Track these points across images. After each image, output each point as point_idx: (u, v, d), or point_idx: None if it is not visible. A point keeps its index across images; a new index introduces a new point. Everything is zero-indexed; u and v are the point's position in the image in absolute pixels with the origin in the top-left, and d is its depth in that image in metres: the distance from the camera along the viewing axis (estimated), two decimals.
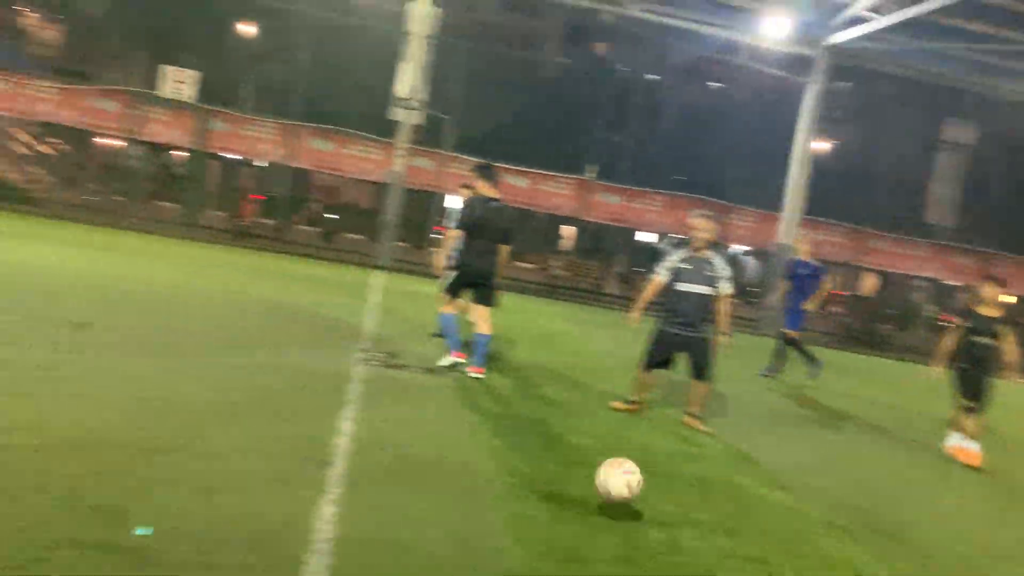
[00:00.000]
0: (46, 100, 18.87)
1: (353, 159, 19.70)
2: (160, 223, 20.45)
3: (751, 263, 31.56)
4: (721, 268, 6.97)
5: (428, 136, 21.85)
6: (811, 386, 10.73)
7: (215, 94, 27.26)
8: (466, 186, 9.28)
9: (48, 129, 25.84)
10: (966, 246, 21.91)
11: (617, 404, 7.15)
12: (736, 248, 28.75)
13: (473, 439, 5.51)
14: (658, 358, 7.10)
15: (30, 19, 57.25)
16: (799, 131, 19.08)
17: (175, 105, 18.82)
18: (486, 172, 7.75)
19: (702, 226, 6.98)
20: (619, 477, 4.45)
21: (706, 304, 6.92)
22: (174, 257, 14.10)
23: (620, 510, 4.44)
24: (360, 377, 6.71)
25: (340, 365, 7.11)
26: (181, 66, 20.80)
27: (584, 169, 21.25)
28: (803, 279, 10.90)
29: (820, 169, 19.59)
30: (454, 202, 9.60)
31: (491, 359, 8.67)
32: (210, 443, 4.52)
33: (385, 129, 21.30)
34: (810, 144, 19.08)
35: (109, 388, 5.24)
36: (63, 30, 57.95)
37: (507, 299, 15.28)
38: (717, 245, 7.40)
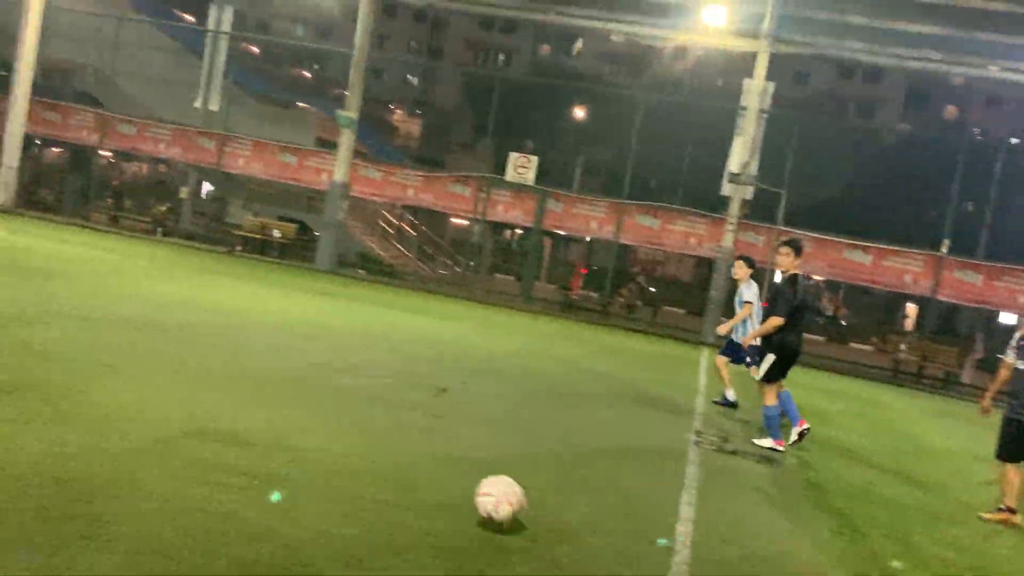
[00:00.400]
0: (410, 186, 21.41)
1: (678, 234, 19.81)
2: (500, 294, 22.06)
3: None
4: None
5: (758, 211, 21.38)
6: None
7: (550, 175, 29.13)
8: (742, 258, 9.46)
9: (409, 210, 29.23)
10: None
11: (988, 515, 6.24)
12: None
13: (820, 540, 5.10)
14: (1014, 450, 6.12)
15: (396, 115, 65.79)
16: None
17: (517, 187, 20.36)
18: (799, 248, 7.63)
19: None
20: (478, 498, 4.18)
21: None
22: (514, 327, 15.05)
23: None
24: (695, 459, 6.57)
25: (674, 444, 7.03)
26: (521, 151, 22.55)
27: (935, 243, 19.34)
28: None
29: None
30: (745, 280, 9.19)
31: (834, 450, 8.08)
32: (557, 515, 4.64)
33: (709, 204, 21.23)
34: None
35: (468, 448, 5.63)
36: (422, 123, 65.77)
37: (844, 383, 14.20)
38: None
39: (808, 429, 7.78)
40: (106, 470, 4.05)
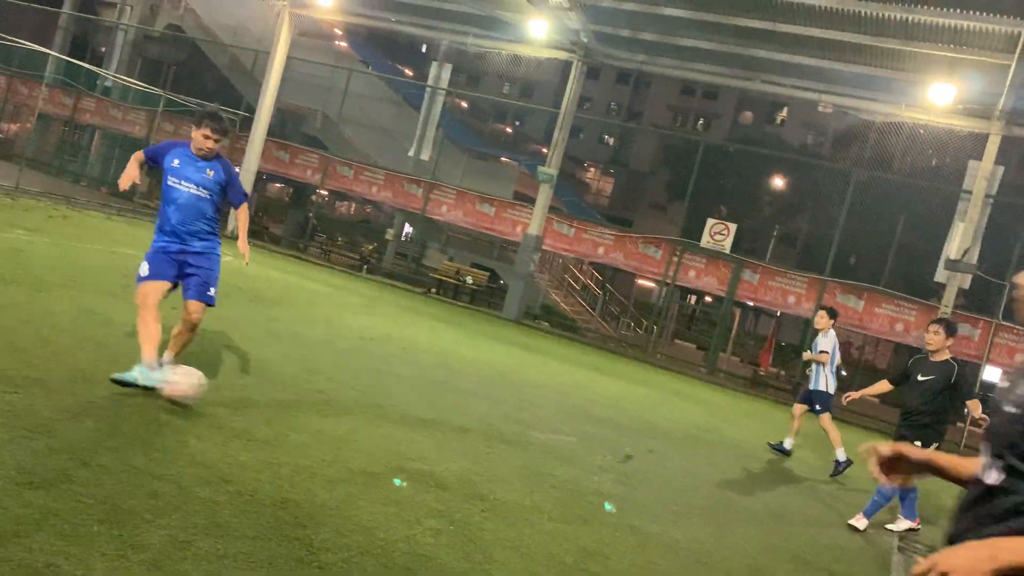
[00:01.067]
0: (601, 244, 21.56)
1: (883, 318, 18.63)
2: (681, 361, 21.59)
3: None
4: None
5: (973, 302, 19.82)
6: None
7: (743, 244, 28.34)
8: (825, 309, 10.12)
9: (596, 268, 29.40)
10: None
11: None
12: None
13: None
14: None
15: (591, 173, 66.78)
16: None
17: (711, 254, 19.99)
18: (953, 329, 7.33)
19: None
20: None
21: None
22: (698, 397, 14.65)
23: None
24: (900, 568, 6.05)
25: (876, 547, 6.52)
26: (716, 217, 22.15)
27: None
28: None
29: None
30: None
31: None
32: None
33: (919, 290, 19.86)
34: None
35: (654, 521, 5.48)
36: (615, 183, 66.38)
37: None
38: None
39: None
40: (318, 496, 4.27)
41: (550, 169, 20.82)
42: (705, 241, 19.85)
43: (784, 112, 60.85)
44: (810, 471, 9.57)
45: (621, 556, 4.68)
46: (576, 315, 25.70)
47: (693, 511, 6.18)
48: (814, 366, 9.77)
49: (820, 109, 19.61)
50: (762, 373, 22.45)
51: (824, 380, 9.64)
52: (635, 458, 7.44)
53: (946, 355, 7.09)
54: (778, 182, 41.90)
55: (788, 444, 9.91)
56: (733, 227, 19.97)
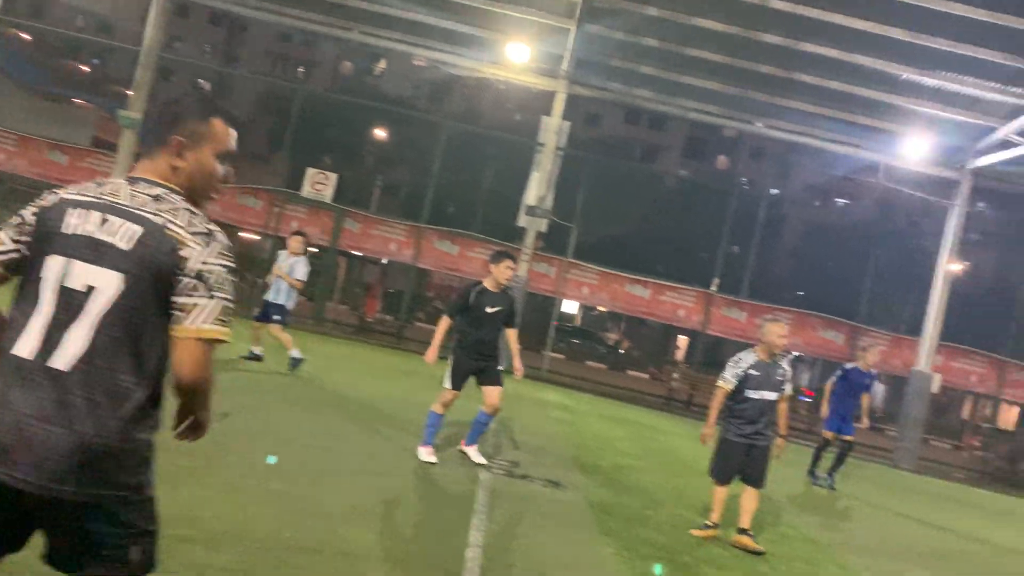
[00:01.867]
0: None
1: (476, 261, 20.13)
2: (290, 315, 21.26)
3: (880, 389, 30.08)
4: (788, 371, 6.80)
5: (551, 243, 22.19)
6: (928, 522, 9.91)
7: (347, 194, 28.58)
8: (301, 234, 11.43)
9: None
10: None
11: (697, 532, 6.57)
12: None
13: (603, 563, 5.30)
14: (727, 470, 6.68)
15: None
16: (941, 253, 18.36)
17: (313, 204, 19.85)
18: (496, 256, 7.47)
19: (782, 331, 6.70)
20: None
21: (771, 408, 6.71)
22: (304, 349, 14.54)
23: None
24: (487, 486, 6.62)
25: (466, 472, 7.05)
26: (319, 167, 22.05)
27: (706, 281, 21.00)
28: (860, 387, 11.21)
29: (962, 294, 18.67)
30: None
31: (616, 474, 8.44)
32: (348, 545, 4.50)
33: (507, 234, 21.80)
34: (951, 268, 18.29)
35: (253, 484, 5.34)
36: None
37: (624, 410, 14.93)
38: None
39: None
40: None
41: (133, 113, 18.94)
42: (306, 191, 19.64)
43: (383, 64, 62.20)
44: (411, 414, 10.06)
45: (215, 515, 4.47)
46: None
47: (295, 461, 6.14)
48: (278, 283, 10.81)
49: (415, 63, 20.27)
50: (369, 320, 23.05)
51: (285, 296, 10.82)
52: (233, 415, 7.16)
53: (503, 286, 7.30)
54: (380, 133, 42.84)
55: (258, 351, 10.84)
56: (334, 177, 20.01)
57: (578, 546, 5.60)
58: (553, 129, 18.19)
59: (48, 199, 2.06)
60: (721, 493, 6.62)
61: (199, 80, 64.51)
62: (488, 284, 7.24)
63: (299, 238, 11.16)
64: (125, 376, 1.95)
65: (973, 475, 19.65)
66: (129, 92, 19.69)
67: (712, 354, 23.58)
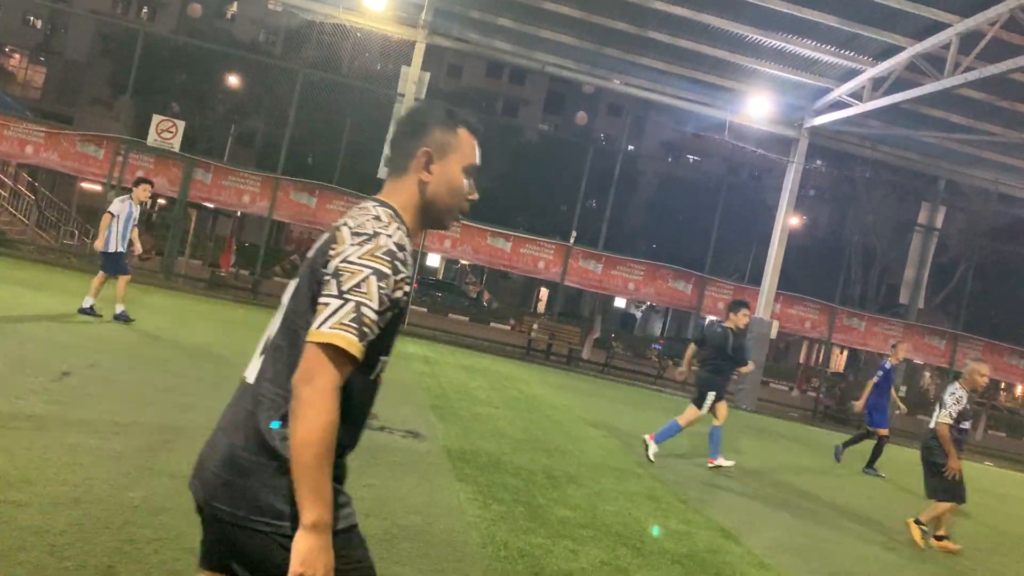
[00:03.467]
0: (31, 143, 18.81)
1: (335, 213, 19.74)
2: (136, 269, 20.27)
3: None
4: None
5: None
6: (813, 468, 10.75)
7: (199, 144, 27.23)
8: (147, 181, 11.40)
9: (27, 171, 25.74)
10: (934, 327, 22.35)
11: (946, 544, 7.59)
12: (711, 319, 28.98)
13: (459, 509, 5.46)
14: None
15: (14, 61, 57.43)
16: (779, 208, 19.51)
17: (160, 153, 18.85)
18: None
19: (986, 371, 7.47)
20: None
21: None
22: (153, 305, 13.94)
23: None
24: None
25: None
26: (166, 114, 20.91)
27: (565, 234, 21.50)
28: (891, 381, 12.21)
29: (798, 246, 19.96)
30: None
31: (474, 423, 8.64)
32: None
33: (365, 186, 21.46)
34: (788, 221, 19.50)
35: (97, 439, 5.14)
36: (47, 74, 58.20)
37: (484, 360, 15.24)
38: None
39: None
40: None
41: None
42: (152, 140, 18.61)
43: (235, 7, 59.16)
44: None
45: (51, 478, 4.30)
46: (6, 226, 22.27)
47: (140, 420, 5.94)
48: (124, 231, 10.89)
49: (270, 7, 19.41)
50: (222, 274, 22.27)
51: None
52: (73, 374, 6.84)
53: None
54: (233, 80, 40.88)
55: (88, 303, 10.61)
56: (181, 124, 19.05)
57: (434, 492, 5.73)
58: (412, 79, 17.98)
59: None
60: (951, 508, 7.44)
61: (28, 17, 59.52)
62: (730, 325, 9.17)
63: (146, 186, 11.12)
64: (270, 386, 1.80)
65: (806, 414, 21.28)
66: None
67: (570, 305, 24.24)
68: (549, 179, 41.00)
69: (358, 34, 19.93)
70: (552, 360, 20.78)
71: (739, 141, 20.19)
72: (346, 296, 1.69)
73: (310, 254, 1.86)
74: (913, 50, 14.49)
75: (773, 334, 19.45)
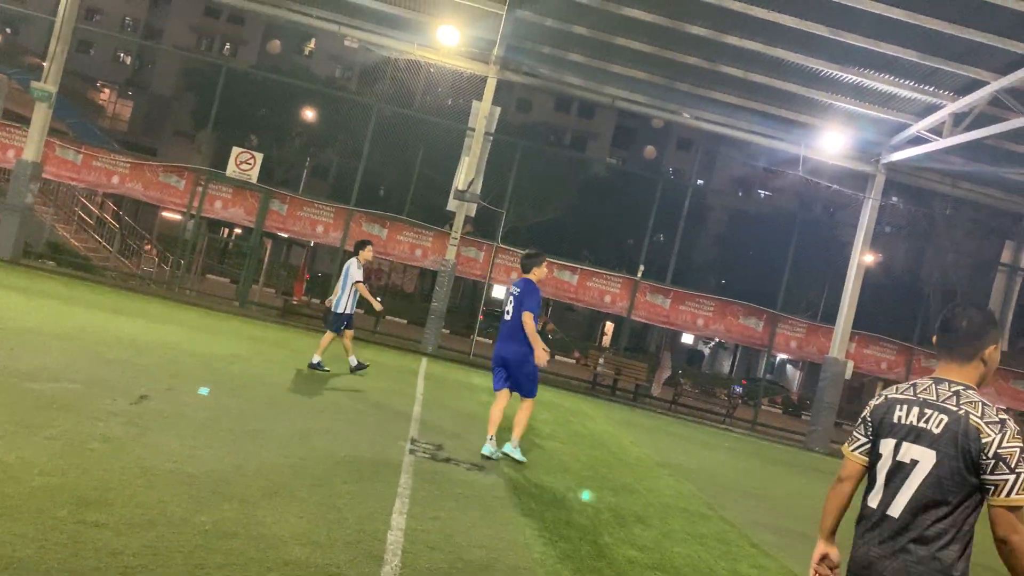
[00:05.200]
0: (116, 173, 19.61)
1: (405, 245, 20.00)
2: (212, 297, 20.87)
3: (796, 374, 31.13)
4: None
5: (480, 227, 22.20)
6: None
7: (275, 175, 27.98)
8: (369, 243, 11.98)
9: (113, 200, 26.82)
10: (1021, 371, 21.37)
11: None
12: (781, 356, 28.38)
13: (524, 545, 5.39)
14: None
15: (104, 95, 60.14)
16: (855, 245, 19.04)
17: (238, 184, 19.44)
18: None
19: None
20: None
21: None
22: (229, 331, 14.28)
23: None
24: (410, 468, 6.65)
25: (390, 454, 7.06)
26: (245, 147, 21.56)
27: (632, 268, 21.34)
28: None
29: (874, 284, 19.39)
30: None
31: (539, 457, 8.56)
32: (266, 528, 4.48)
33: (436, 218, 21.72)
34: (864, 258, 19.00)
35: (170, 460, 5.24)
36: (134, 107, 60.66)
37: (549, 394, 15.09)
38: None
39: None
40: None
41: (47, 85, 18.21)
42: (231, 171, 19.20)
43: (312, 43, 61.04)
44: (342, 398, 9.98)
45: (127, 500, 4.39)
46: (91, 252, 23.21)
47: (213, 445, 6.05)
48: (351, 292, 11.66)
49: (347, 44, 19.96)
50: (295, 303, 22.72)
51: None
52: (151, 398, 7.02)
53: None
54: (309, 114, 42.08)
55: (354, 361, 11.75)
56: (259, 156, 19.60)
57: (499, 528, 5.67)
58: (483, 114, 18.19)
59: (877, 400, 2.83)
60: None
61: (118, 53, 62.36)
62: None
63: (371, 247, 11.89)
64: (937, 524, 2.57)
65: None
66: (43, 64, 18.92)
67: (637, 340, 23.97)
68: (617, 213, 40.88)
69: (431, 70, 20.29)
70: (618, 395, 20.54)
71: (813, 176, 19.82)
72: (1018, 472, 2.52)
73: (936, 430, 2.63)
74: (997, 85, 14.06)
75: (848, 374, 18.88)
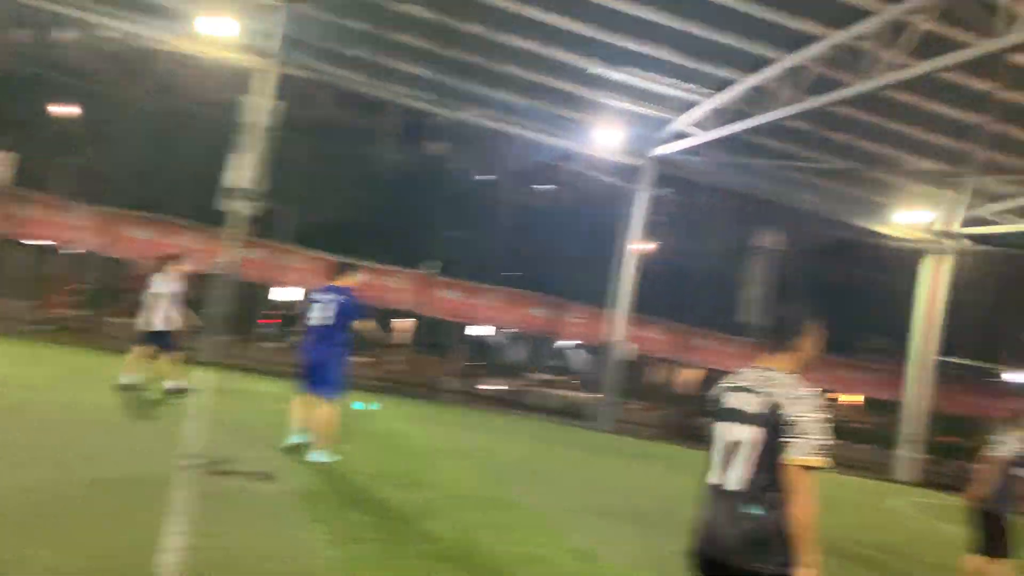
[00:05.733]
0: None
1: (179, 248, 18.76)
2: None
3: (581, 355, 32.65)
4: None
5: (263, 227, 21.20)
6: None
7: (25, 176, 25.20)
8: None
9: None
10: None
11: None
12: (567, 342, 29.58)
13: (311, 550, 5.22)
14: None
15: None
16: (629, 234, 20.16)
17: None
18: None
19: None
20: None
21: None
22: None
23: None
24: (185, 485, 6.23)
25: (161, 471, 6.58)
26: None
27: (423, 264, 21.38)
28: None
29: (646, 270, 20.63)
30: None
31: (327, 463, 8.34)
32: (34, 559, 4.02)
33: (214, 218, 20.57)
34: (637, 246, 20.17)
35: None
36: None
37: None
38: None
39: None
40: None
41: None
42: None
43: (68, 34, 55.93)
44: (100, 415, 9.22)
45: None
46: None
47: None
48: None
49: (106, 35, 18.42)
50: (51, 316, 20.70)
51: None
52: None
53: None
54: (65, 109, 38.46)
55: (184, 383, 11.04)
56: (11, 156, 17.69)
57: (288, 536, 5.46)
58: (259, 109, 17.50)
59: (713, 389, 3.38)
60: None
61: None
62: None
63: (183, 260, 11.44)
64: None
65: (659, 431, 21.92)
66: None
67: (431, 335, 24.10)
68: (408, 210, 40.82)
69: (206, 63, 19.19)
70: (411, 392, 20.50)
71: (594, 170, 20.76)
72: (804, 437, 3.08)
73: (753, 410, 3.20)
74: (746, 83, 15.39)
75: (632, 356, 20.00)
